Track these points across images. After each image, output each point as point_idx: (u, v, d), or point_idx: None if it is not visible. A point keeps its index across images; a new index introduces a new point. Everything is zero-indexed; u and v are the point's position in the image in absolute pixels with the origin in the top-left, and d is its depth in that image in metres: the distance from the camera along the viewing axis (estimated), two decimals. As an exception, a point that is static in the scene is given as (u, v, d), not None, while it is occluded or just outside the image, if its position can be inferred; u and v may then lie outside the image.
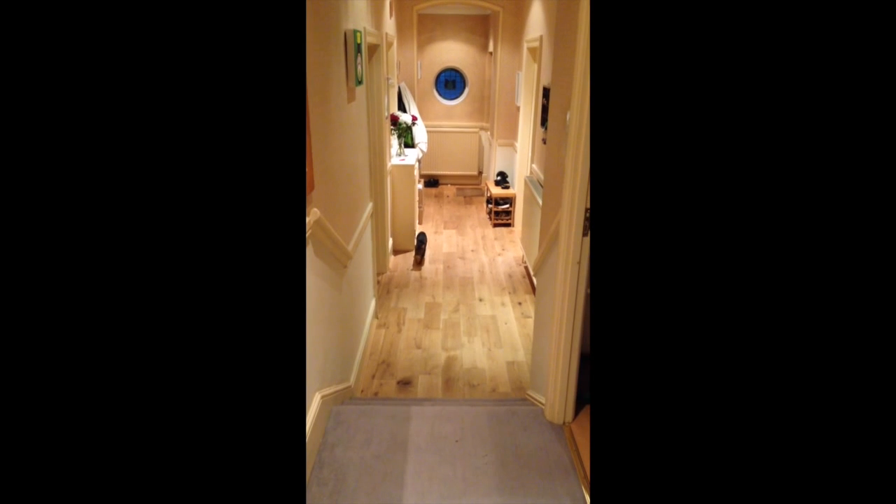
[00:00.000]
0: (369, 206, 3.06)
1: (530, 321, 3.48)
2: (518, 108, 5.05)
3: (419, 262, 4.39)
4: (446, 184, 6.97)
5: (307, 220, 1.59)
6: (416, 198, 4.72)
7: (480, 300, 3.79)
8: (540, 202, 3.32)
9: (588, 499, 1.54)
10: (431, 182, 6.84)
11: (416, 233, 4.60)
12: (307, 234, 1.58)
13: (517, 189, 5.16)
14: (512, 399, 2.61)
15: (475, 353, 3.10)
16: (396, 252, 4.65)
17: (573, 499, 1.55)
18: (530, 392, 2.44)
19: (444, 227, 5.40)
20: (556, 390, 1.89)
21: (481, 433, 1.86)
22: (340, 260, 2.16)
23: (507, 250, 4.80)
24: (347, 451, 1.75)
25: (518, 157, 5.06)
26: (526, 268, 4.28)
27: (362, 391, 2.70)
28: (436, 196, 6.54)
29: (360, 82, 2.58)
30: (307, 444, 1.59)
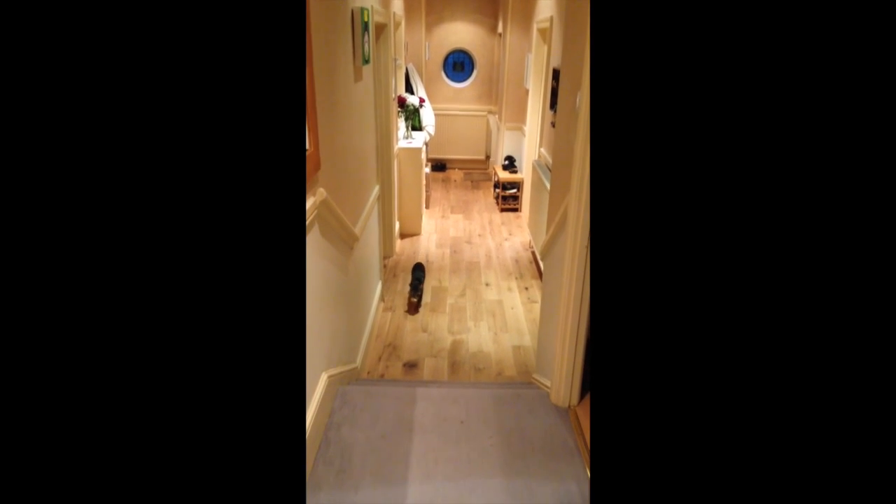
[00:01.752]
0: (376, 189, 3.05)
1: (537, 306, 3.47)
2: (527, 91, 4.98)
3: (416, 307, 3.35)
4: (453, 168, 6.93)
5: (313, 200, 1.58)
6: (424, 182, 4.70)
7: (487, 285, 3.79)
8: (548, 186, 3.28)
9: (592, 481, 1.55)
10: (439, 166, 6.80)
11: (413, 265, 3.62)
12: (313, 215, 1.57)
13: (525, 174, 5.11)
14: (517, 382, 2.62)
15: (481, 338, 3.10)
16: (403, 236, 4.64)
17: (578, 481, 1.55)
18: (536, 376, 2.44)
19: (451, 212, 5.37)
20: (562, 374, 1.89)
21: (486, 415, 1.87)
22: (347, 242, 2.15)
23: (514, 235, 4.78)
24: (354, 430, 1.76)
25: (526, 141, 5.01)
26: (533, 253, 4.26)
27: (368, 373, 2.72)
28: (443, 180, 6.51)
29: (367, 61, 2.54)
30: (313, 424, 1.60)
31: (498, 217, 5.24)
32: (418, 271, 3.60)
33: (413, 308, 3.34)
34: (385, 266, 3.88)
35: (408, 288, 3.33)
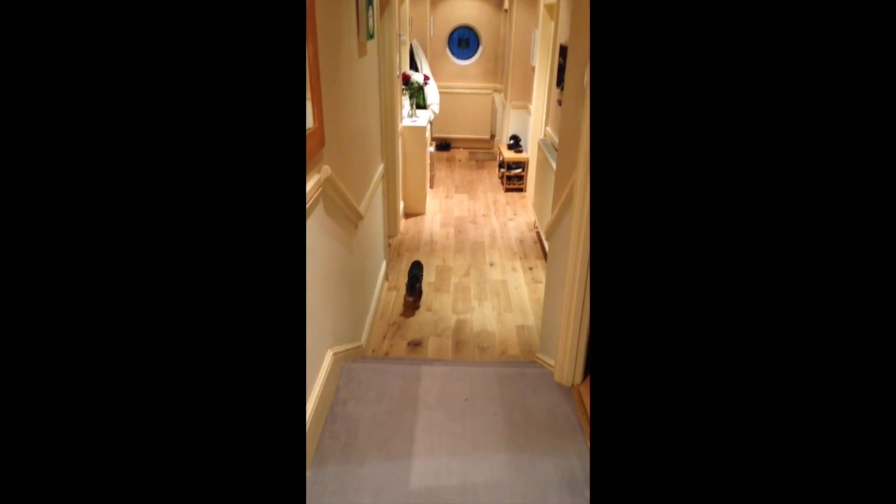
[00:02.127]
0: (380, 168, 3.03)
1: (541, 286, 3.47)
2: (533, 69, 4.90)
3: (414, 305, 3.16)
4: (458, 147, 6.87)
5: (317, 177, 1.57)
6: (428, 161, 4.66)
7: (491, 265, 3.79)
8: (554, 166, 3.25)
9: (595, 458, 1.56)
10: (443, 145, 6.74)
11: (411, 263, 3.31)
12: (317, 192, 1.56)
13: (530, 153, 5.07)
14: (521, 361, 2.63)
15: (485, 317, 3.11)
16: (407, 216, 4.63)
17: (580, 457, 1.57)
18: (539, 355, 2.46)
19: (456, 192, 5.35)
20: (566, 352, 1.90)
21: (490, 393, 1.89)
22: (351, 220, 2.15)
23: (518, 215, 4.76)
24: (359, 406, 1.78)
25: (532, 120, 4.95)
26: (537, 233, 4.25)
27: (373, 351, 2.74)
28: (447, 160, 6.46)
29: (371, 36, 2.50)
30: (319, 399, 1.61)
31: (503, 197, 5.21)
32: (416, 269, 3.27)
33: (410, 309, 3.13)
34: (389, 245, 3.88)
35: (407, 287, 3.26)
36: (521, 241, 4.19)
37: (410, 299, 3.17)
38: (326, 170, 1.63)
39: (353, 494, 1.42)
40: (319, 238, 1.65)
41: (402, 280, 3.51)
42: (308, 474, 1.48)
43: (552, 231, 2.23)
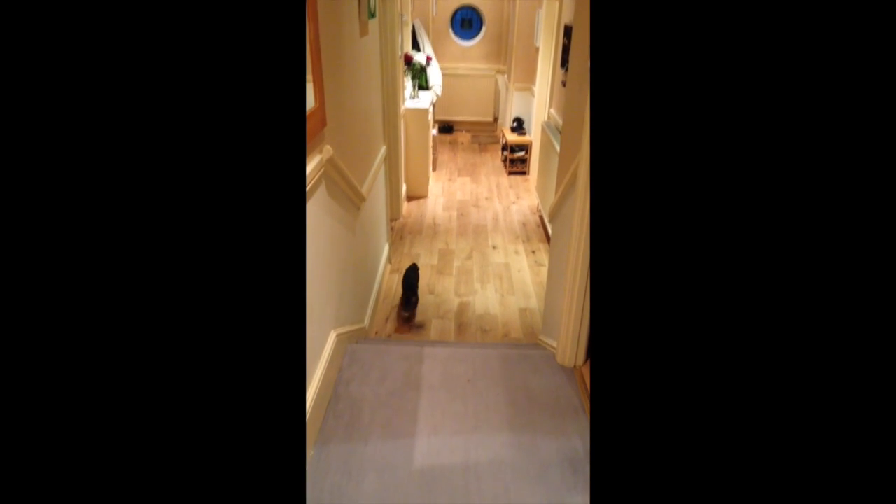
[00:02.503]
0: (382, 150, 3.01)
1: (543, 269, 3.47)
2: (537, 50, 4.83)
3: (408, 321, 2.79)
4: (461, 130, 6.81)
5: (319, 157, 1.56)
6: (430, 143, 4.63)
7: (494, 248, 3.78)
8: (557, 148, 3.22)
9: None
10: (446, 128, 6.68)
11: (406, 269, 2.92)
12: (319, 173, 1.55)
13: (534, 136, 5.02)
14: (524, 343, 2.65)
15: (488, 300, 3.12)
16: (410, 198, 4.61)
17: (582, 437, 1.59)
18: (542, 337, 2.46)
19: (459, 175, 5.32)
20: (569, 334, 1.90)
21: (493, 374, 1.90)
22: (354, 202, 2.14)
23: (521, 199, 4.73)
24: (362, 386, 1.79)
25: (535, 102, 4.89)
26: (540, 216, 4.23)
27: (376, 333, 2.75)
28: (450, 143, 6.41)
29: (372, 15, 2.46)
30: (323, 380, 1.63)
31: (505, 180, 5.19)
32: (411, 276, 2.85)
33: (404, 325, 2.76)
34: (392, 228, 3.88)
35: (415, 251, 3.18)
36: (524, 225, 4.18)
37: (405, 314, 2.79)
38: (328, 150, 1.61)
39: (356, 472, 1.43)
40: (322, 219, 1.65)
41: (405, 263, 3.51)
42: (312, 453, 1.50)
43: (555, 213, 2.22)
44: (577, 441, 1.57)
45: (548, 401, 1.76)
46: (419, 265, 3.01)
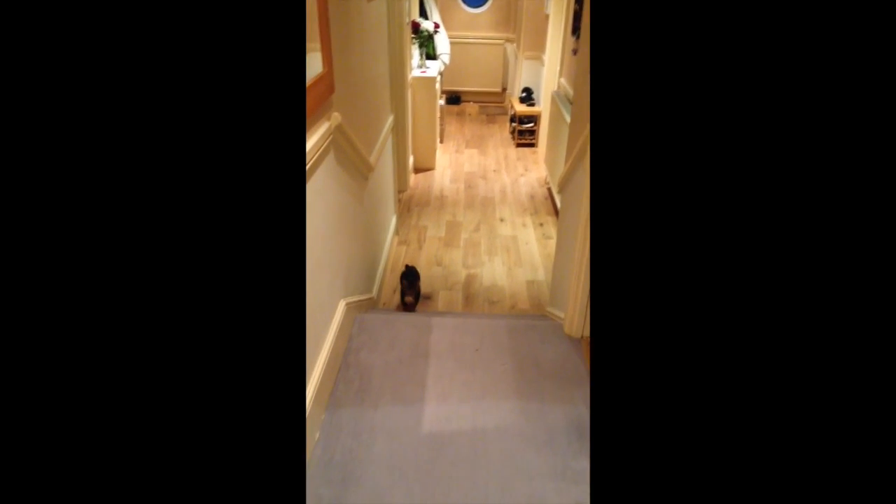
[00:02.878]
0: (390, 119, 2.97)
1: (551, 242, 3.46)
2: (547, 17, 4.70)
3: (411, 305, 2.64)
4: (468, 101, 6.70)
5: (327, 125, 1.54)
6: (438, 114, 4.57)
7: (501, 220, 3.77)
8: (567, 119, 3.17)
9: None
10: (453, 99, 6.58)
11: (403, 267, 2.65)
12: (328, 141, 1.54)
13: (543, 106, 4.93)
14: (531, 314, 2.66)
15: (495, 272, 3.12)
16: (417, 170, 4.58)
17: (588, 405, 1.61)
18: (550, 308, 2.47)
19: (466, 147, 5.26)
20: (577, 304, 1.91)
21: (500, 344, 1.91)
22: (361, 171, 2.13)
23: (529, 171, 4.69)
24: (372, 355, 1.81)
25: (545, 72, 4.79)
26: (549, 189, 4.19)
27: (384, 304, 2.77)
28: (457, 114, 6.32)
29: (380, -20, 2.39)
30: (333, 348, 1.65)
31: (514, 152, 5.13)
32: (410, 276, 2.60)
33: (407, 307, 2.65)
34: (399, 200, 3.86)
35: (422, 223, 3.08)
36: (532, 197, 4.15)
37: (410, 299, 2.62)
38: (337, 117, 1.59)
39: (367, 435, 1.47)
40: (330, 188, 1.64)
41: (413, 235, 3.51)
42: (324, 416, 1.53)
43: (565, 183, 2.20)
44: (583, 409, 1.59)
45: (555, 370, 1.78)
46: (406, 305, 2.67)
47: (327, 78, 1.51)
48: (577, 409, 1.59)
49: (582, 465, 1.39)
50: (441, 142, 5.17)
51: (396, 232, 3.46)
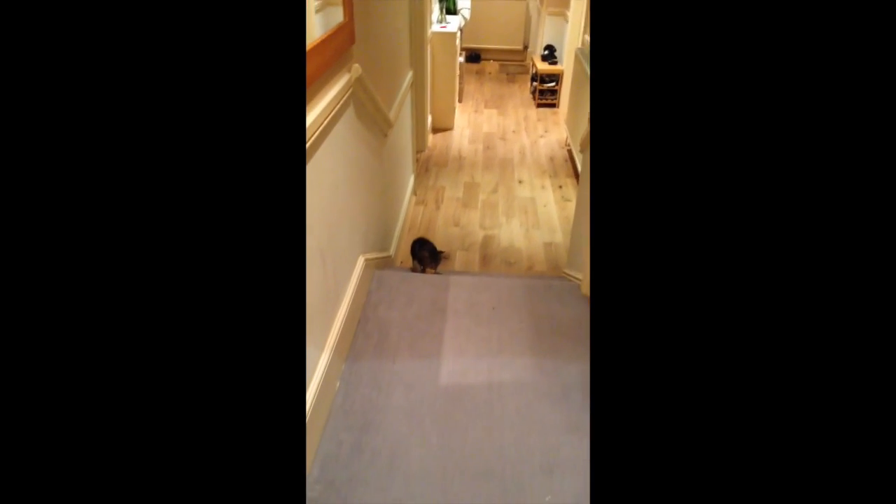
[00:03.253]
0: (409, 75, 2.91)
1: (570, 205, 3.42)
2: (574, -31, 4.49)
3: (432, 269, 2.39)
4: (488, 59, 6.52)
5: (348, 76, 1.52)
6: (457, 72, 4.46)
7: (520, 182, 3.72)
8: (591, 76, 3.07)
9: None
10: (473, 56, 6.40)
11: (414, 240, 2.41)
12: (348, 93, 1.52)
13: (565, 65, 4.78)
14: (548, 276, 2.66)
15: (513, 233, 3.11)
16: (435, 130, 4.51)
17: (604, 363, 1.62)
18: (567, 270, 2.47)
19: (485, 107, 5.15)
20: (596, 265, 1.90)
21: (517, 303, 1.92)
22: (381, 127, 2.10)
23: (549, 132, 4.59)
24: (390, 310, 1.84)
25: (569, 29, 4.61)
26: (569, 151, 4.11)
27: (401, 262, 2.79)
28: (477, 73, 6.17)
29: (401, -75, 2.30)
30: (352, 302, 1.67)
31: (534, 113, 5.01)
32: (425, 248, 2.38)
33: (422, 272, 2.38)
34: (417, 160, 3.83)
35: (440, 183, 3.01)
36: (552, 159, 4.08)
37: (432, 269, 2.39)
38: (357, 69, 1.56)
39: (386, 386, 1.50)
40: (349, 142, 1.62)
41: (431, 195, 3.49)
42: (343, 367, 1.57)
43: (587, 143, 2.15)
44: (599, 366, 1.61)
45: (571, 329, 1.79)
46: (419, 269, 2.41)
47: (348, 27, 1.47)
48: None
49: (596, 419, 1.42)
50: (460, 101, 5.07)
51: (414, 192, 3.45)
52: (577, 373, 1.58)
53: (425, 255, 2.37)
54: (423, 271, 2.36)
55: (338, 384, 1.51)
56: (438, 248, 2.39)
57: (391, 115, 2.31)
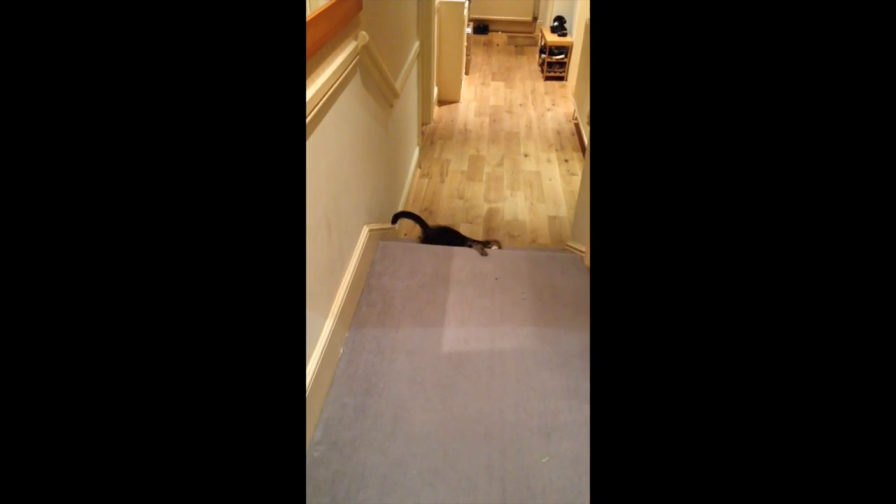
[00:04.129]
0: (415, 45, 2.87)
1: (575, 179, 3.40)
2: (586, -64, 4.35)
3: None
4: (496, 31, 6.40)
5: (354, 44, 1.50)
6: (465, 43, 4.39)
7: (526, 156, 3.70)
8: (601, 48, 3.01)
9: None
10: (480, 28, 6.28)
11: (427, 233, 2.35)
12: (354, 61, 1.51)
13: (575, 36, 4.69)
14: (552, 248, 2.67)
15: (517, 207, 3.11)
16: (441, 103, 4.47)
17: (604, 334, 1.65)
18: (570, 243, 2.48)
19: (492, 79, 5.08)
20: (599, 238, 1.90)
21: (520, 274, 1.94)
22: (387, 97, 2.09)
23: (557, 105, 4.53)
24: (394, 280, 1.87)
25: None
26: (576, 125, 4.07)
27: (405, 234, 2.81)
28: (484, 44, 6.06)
29: None
30: (356, 271, 1.70)
31: (542, 86, 4.94)
32: (447, 236, 2.29)
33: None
34: (423, 133, 3.80)
35: (445, 156, 2.97)
36: (559, 133, 4.04)
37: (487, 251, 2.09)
38: (364, 36, 1.55)
39: (389, 352, 1.54)
40: (356, 110, 1.62)
41: (436, 168, 3.48)
42: (347, 334, 1.60)
43: (594, 115, 2.13)
44: (598, 337, 1.64)
45: (573, 299, 1.81)
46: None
47: (354, -8, 1.45)
48: (592, 338, 1.63)
49: (594, 387, 1.45)
50: (467, 73, 5.00)
51: (419, 164, 3.44)
52: (576, 341, 1.61)
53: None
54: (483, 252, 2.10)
55: (341, 350, 1.54)
56: (444, 223, 2.34)
57: (398, 84, 2.30)
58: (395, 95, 2.23)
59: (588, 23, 3.79)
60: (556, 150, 3.79)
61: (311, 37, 1.07)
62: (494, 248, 2.12)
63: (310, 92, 1.11)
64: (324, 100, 1.22)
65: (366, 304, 1.74)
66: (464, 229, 2.88)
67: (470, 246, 2.14)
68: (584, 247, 2.09)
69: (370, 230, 1.91)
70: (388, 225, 2.36)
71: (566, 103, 4.57)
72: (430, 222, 2.92)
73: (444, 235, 2.31)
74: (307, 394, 1.22)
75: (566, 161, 3.64)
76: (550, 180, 3.40)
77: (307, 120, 1.11)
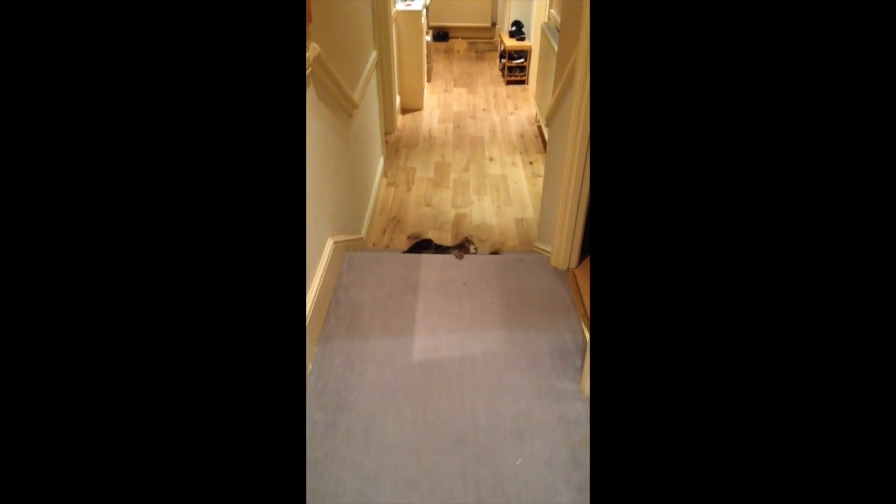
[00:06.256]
0: (373, 55, 2.87)
1: (541, 180, 3.44)
2: (538, -58, 4.44)
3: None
4: (457, 37, 6.45)
5: (306, 55, 1.49)
6: (425, 51, 4.40)
7: (491, 160, 3.73)
8: (556, 49, 3.07)
9: (587, 333, 1.65)
10: (440, 35, 6.32)
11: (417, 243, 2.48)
12: (307, 73, 1.49)
13: (533, 40, 4.76)
14: (519, 250, 2.69)
15: (484, 211, 3.13)
16: (404, 111, 4.47)
17: (573, 332, 1.66)
18: (537, 243, 2.50)
19: (455, 85, 5.11)
20: (563, 236, 1.93)
21: (488, 278, 1.95)
22: (345, 108, 2.08)
23: (519, 109, 4.59)
24: (362, 291, 1.85)
25: (535, 4, 4.58)
26: (539, 127, 4.12)
27: (373, 244, 2.79)
28: (445, 51, 6.10)
29: None
30: (322, 285, 1.67)
31: (503, 90, 5.00)
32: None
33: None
34: (387, 142, 3.79)
35: (410, 164, 3.00)
36: (522, 136, 4.09)
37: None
38: (315, 48, 1.54)
39: (359, 365, 1.52)
40: (312, 123, 1.60)
41: (402, 176, 3.47)
42: (315, 349, 1.58)
43: (553, 115, 2.16)
44: (567, 336, 1.65)
45: (541, 300, 1.82)
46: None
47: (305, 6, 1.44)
48: (561, 337, 1.65)
49: (565, 385, 1.46)
50: (429, 81, 5.02)
51: (384, 174, 3.43)
52: (546, 342, 1.62)
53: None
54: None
55: (310, 367, 1.51)
56: (413, 231, 2.35)
57: (356, 95, 2.28)
58: (354, 106, 2.22)
59: (543, 26, 3.85)
60: (521, 152, 3.83)
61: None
62: (472, 248, 2.16)
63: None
64: (274, 113, 1.20)
65: (334, 317, 1.72)
66: (432, 236, 2.88)
67: (448, 252, 2.16)
68: (549, 246, 2.11)
69: (335, 242, 1.89)
70: (355, 235, 2.34)
71: (528, 106, 4.63)
72: (399, 231, 2.91)
73: (426, 248, 2.39)
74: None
75: (531, 163, 3.68)
76: (516, 183, 3.43)
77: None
